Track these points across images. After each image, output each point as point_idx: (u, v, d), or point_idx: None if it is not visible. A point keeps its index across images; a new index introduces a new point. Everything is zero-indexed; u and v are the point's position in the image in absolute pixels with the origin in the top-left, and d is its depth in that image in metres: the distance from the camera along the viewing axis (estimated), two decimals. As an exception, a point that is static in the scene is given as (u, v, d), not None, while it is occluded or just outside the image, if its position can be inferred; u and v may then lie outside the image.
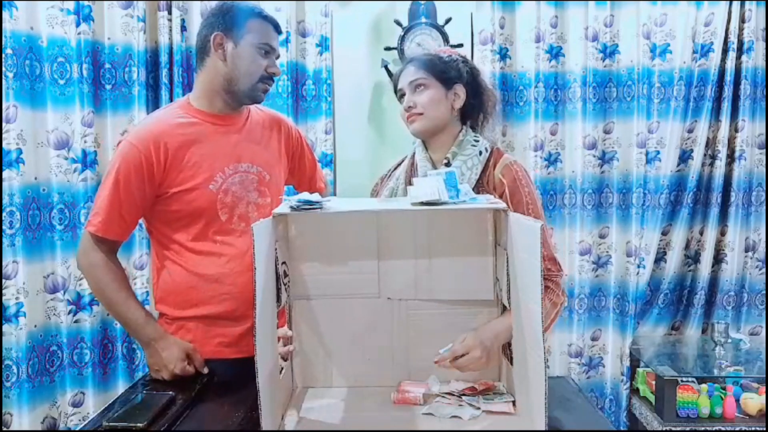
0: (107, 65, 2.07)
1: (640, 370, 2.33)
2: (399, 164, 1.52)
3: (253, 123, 1.51)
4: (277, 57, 1.46)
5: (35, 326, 1.92)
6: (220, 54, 1.40)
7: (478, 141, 1.38)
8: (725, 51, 2.32)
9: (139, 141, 1.36)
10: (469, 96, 1.41)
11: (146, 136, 1.37)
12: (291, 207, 1.06)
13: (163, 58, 2.12)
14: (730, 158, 2.38)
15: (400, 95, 1.42)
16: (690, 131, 2.37)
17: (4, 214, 1.83)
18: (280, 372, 1.15)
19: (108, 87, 2.08)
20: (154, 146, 1.35)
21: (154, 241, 1.48)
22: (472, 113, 1.44)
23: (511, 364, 1.14)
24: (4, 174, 1.84)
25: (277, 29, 1.45)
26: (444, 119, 1.38)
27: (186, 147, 1.38)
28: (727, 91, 2.33)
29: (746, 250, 2.41)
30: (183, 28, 2.16)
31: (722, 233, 2.41)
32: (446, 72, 1.38)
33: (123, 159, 1.35)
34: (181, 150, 1.38)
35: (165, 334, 1.39)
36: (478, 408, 1.12)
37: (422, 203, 1.03)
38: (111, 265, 1.38)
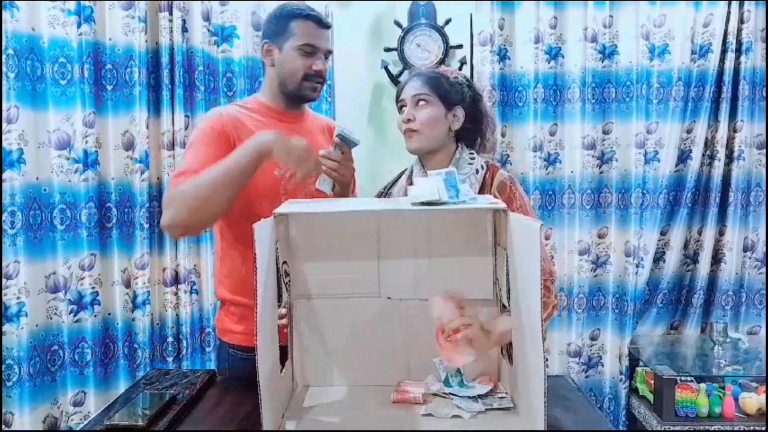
0: (108, 66, 2.08)
1: (638, 369, 2.34)
2: (395, 181, 1.52)
3: (314, 126, 1.59)
4: (329, 53, 1.50)
5: (36, 326, 1.93)
6: (269, 60, 1.50)
7: (474, 159, 1.39)
8: (724, 51, 2.33)
9: (217, 121, 1.42)
10: (468, 119, 1.40)
11: (223, 118, 1.43)
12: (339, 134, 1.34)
13: (164, 59, 2.13)
14: (729, 158, 2.39)
15: (400, 106, 1.42)
16: (689, 131, 2.38)
17: (5, 214, 1.84)
18: (281, 371, 1.16)
19: (109, 87, 2.08)
20: (232, 123, 1.42)
21: (218, 225, 1.51)
22: (469, 136, 1.44)
23: (511, 363, 1.15)
24: (6, 174, 1.85)
25: (322, 25, 1.48)
26: (440, 139, 1.38)
27: (254, 133, 1.40)
28: (726, 92, 2.34)
29: (745, 250, 2.42)
30: (184, 29, 2.17)
31: (721, 233, 2.42)
32: (450, 93, 1.38)
33: (209, 127, 1.40)
34: (251, 135, 1.38)
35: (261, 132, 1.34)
36: (478, 407, 1.13)
37: (422, 203, 1.03)
38: (187, 180, 1.30)
